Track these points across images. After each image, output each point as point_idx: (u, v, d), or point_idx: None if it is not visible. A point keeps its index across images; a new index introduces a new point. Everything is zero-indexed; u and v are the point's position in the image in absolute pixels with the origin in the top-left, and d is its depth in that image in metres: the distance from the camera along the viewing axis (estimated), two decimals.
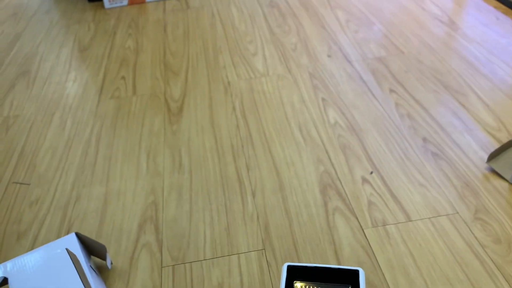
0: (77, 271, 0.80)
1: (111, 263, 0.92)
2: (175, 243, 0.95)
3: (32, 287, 0.79)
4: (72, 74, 1.58)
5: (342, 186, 1.04)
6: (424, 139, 1.15)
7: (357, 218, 0.96)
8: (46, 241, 0.98)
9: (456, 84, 1.33)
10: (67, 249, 0.84)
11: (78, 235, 0.88)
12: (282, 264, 0.88)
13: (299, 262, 0.88)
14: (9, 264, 0.83)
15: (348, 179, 1.05)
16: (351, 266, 0.87)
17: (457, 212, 0.95)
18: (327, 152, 1.13)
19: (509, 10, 1.70)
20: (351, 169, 1.08)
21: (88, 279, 0.80)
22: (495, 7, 1.73)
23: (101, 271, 0.91)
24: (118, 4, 2.06)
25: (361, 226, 0.94)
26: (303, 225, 0.96)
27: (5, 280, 0.82)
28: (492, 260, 0.86)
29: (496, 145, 1.11)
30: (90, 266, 0.85)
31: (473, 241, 0.89)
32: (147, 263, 0.91)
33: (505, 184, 1.01)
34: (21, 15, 2.09)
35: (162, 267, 0.91)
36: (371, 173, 1.06)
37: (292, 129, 1.22)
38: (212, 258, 0.91)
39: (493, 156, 1.06)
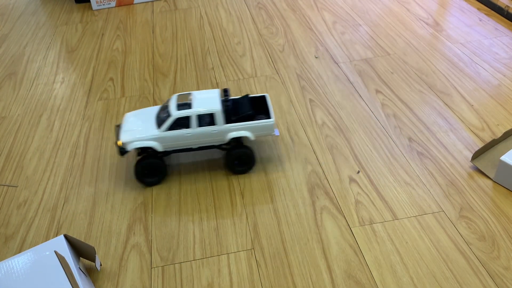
0: (66, 274, 0.80)
1: (100, 265, 0.92)
2: (165, 243, 0.95)
3: None
4: (59, 76, 1.58)
5: (330, 186, 1.05)
6: (410, 139, 1.16)
7: (344, 217, 0.97)
8: (34, 243, 0.98)
9: (440, 84, 1.36)
10: (55, 252, 0.84)
11: (66, 237, 0.88)
12: (271, 263, 0.89)
13: (287, 261, 0.89)
14: None
15: (335, 178, 1.07)
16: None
17: (443, 210, 0.97)
18: (314, 152, 1.15)
19: (491, 11, 1.73)
20: (339, 168, 1.09)
21: (77, 281, 0.80)
22: (478, 9, 1.76)
23: (90, 272, 0.91)
24: (106, 6, 2.05)
25: (348, 225, 0.96)
26: (291, 225, 0.97)
27: None
28: (477, 257, 0.87)
29: (480, 144, 1.13)
30: (79, 268, 0.85)
31: (458, 238, 0.91)
32: (136, 264, 0.92)
33: (489, 182, 1.03)
34: (7, 16, 2.07)
35: (151, 268, 0.91)
36: (358, 172, 1.08)
37: (280, 129, 1.23)
38: (202, 258, 0.92)
39: (477, 155, 1.08)
